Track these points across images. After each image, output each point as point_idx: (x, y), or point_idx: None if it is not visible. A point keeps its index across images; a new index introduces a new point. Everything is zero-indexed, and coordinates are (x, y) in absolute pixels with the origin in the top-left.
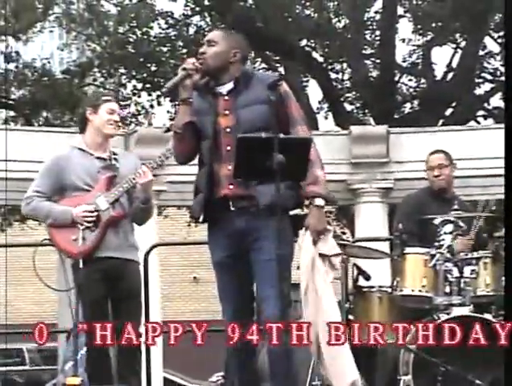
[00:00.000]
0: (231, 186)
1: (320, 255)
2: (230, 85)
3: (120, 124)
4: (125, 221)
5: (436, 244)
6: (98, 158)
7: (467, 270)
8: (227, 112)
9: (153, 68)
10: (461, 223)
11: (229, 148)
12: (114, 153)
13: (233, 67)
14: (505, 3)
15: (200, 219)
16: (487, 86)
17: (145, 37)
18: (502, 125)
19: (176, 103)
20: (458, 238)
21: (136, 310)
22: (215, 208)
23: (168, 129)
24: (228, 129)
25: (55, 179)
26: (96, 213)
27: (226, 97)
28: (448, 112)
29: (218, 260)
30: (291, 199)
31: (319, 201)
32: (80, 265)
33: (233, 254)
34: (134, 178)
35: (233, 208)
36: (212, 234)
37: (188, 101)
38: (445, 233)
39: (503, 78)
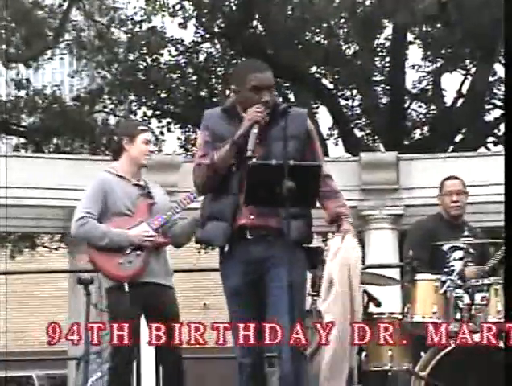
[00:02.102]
0: (251, 216)
1: None
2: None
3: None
4: (165, 248)
5: (446, 270)
6: (136, 185)
7: (478, 297)
8: (257, 141)
9: (163, 95)
10: (471, 250)
11: None
12: (146, 182)
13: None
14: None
15: (226, 248)
16: (497, 112)
17: (155, 64)
18: None
19: (187, 130)
20: (468, 266)
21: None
22: (232, 237)
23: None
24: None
25: (101, 202)
26: (153, 233)
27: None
28: (458, 138)
29: (233, 286)
30: (311, 234)
31: (349, 219)
32: (126, 289)
33: (249, 281)
34: (177, 207)
35: (249, 237)
36: (227, 261)
37: (240, 144)
38: (454, 259)
39: None
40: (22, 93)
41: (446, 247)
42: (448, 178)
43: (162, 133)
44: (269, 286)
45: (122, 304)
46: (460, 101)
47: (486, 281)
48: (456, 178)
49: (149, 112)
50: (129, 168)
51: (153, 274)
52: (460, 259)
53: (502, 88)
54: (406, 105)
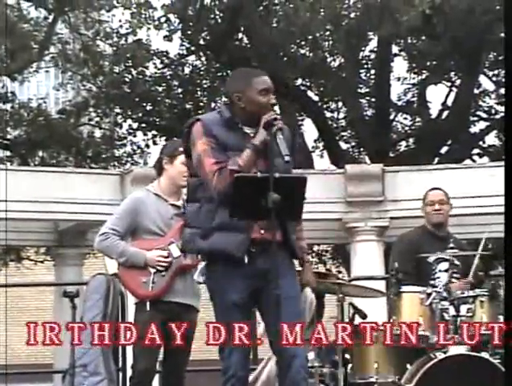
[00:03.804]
0: (262, 231)
1: None
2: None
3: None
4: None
5: (432, 282)
6: (172, 205)
7: (463, 309)
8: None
9: (148, 108)
10: (456, 262)
11: None
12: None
13: None
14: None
15: (246, 260)
16: (482, 124)
17: (140, 76)
18: (497, 163)
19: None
20: (454, 281)
21: (184, 364)
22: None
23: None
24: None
25: (132, 220)
26: (170, 259)
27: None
28: (444, 150)
29: (236, 298)
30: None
31: (308, 257)
32: (147, 308)
33: (250, 293)
34: None
35: (253, 250)
36: (229, 275)
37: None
38: (440, 271)
39: (498, 116)
40: (8, 106)
41: (431, 259)
42: (431, 189)
43: (147, 146)
44: (274, 295)
45: (144, 319)
46: (446, 113)
47: (472, 293)
48: (440, 189)
49: (134, 125)
50: (167, 188)
51: (177, 294)
52: (446, 271)
53: (487, 100)
54: (391, 117)
